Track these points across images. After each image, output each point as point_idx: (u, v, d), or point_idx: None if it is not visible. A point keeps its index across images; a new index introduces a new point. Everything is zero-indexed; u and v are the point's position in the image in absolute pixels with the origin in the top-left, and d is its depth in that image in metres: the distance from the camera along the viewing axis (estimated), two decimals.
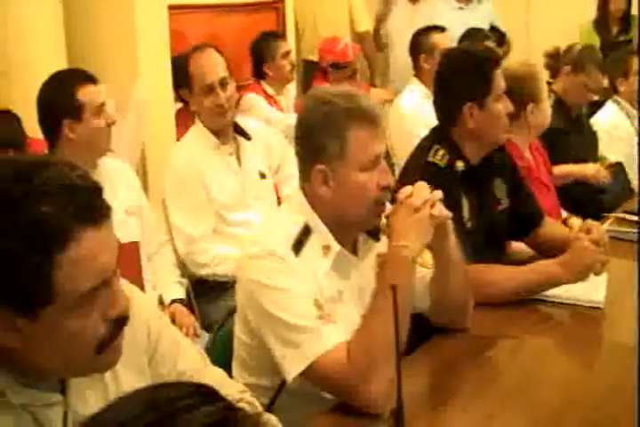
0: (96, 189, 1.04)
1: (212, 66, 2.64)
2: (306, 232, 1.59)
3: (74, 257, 0.99)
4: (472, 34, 4.36)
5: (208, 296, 2.59)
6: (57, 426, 1.11)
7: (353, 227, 1.66)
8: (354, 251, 1.67)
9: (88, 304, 1.02)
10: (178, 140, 3.67)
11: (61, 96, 2.29)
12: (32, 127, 2.62)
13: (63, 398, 1.12)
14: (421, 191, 1.60)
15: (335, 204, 1.59)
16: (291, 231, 1.59)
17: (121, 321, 1.08)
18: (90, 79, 2.34)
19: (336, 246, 1.61)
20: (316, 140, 1.58)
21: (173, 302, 2.48)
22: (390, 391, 1.44)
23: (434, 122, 2.28)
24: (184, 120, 3.73)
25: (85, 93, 2.30)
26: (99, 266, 1.02)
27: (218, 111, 2.64)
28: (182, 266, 2.62)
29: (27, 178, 1.00)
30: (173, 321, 2.36)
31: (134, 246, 2.37)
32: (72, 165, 1.05)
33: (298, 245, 1.57)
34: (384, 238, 1.65)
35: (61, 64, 3.35)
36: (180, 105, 3.83)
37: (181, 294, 2.53)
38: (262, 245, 1.57)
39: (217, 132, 2.69)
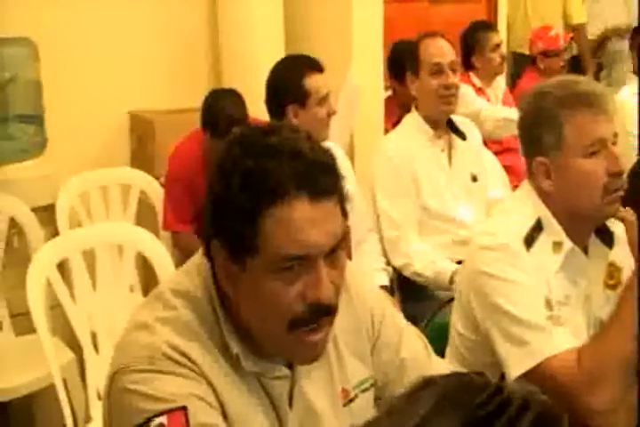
0: (323, 164, 1.06)
1: (444, 48, 2.60)
2: (538, 227, 1.54)
3: (279, 217, 1.01)
4: None
5: (409, 290, 2.56)
6: (283, 399, 1.14)
7: (586, 220, 1.58)
8: (585, 252, 1.59)
9: (290, 274, 1.03)
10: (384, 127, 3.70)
11: (289, 82, 2.36)
12: (253, 110, 2.72)
13: (290, 373, 1.14)
14: None
15: (561, 196, 1.53)
16: (523, 225, 1.54)
17: (322, 309, 1.06)
18: (317, 68, 2.38)
19: (568, 243, 1.54)
20: (533, 134, 1.56)
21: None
22: (618, 409, 1.37)
23: None
24: (391, 108, 3.74)
25: (312, 82, 2.35)
26: (304, 238, 1.01)
27: (443, 94, 2.55)
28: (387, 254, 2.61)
29: (268, 134, 1.07)
30: None
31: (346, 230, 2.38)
32: (309, 136, 1.09)
33: (529, 240, 1.52)
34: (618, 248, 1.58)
35: (279, 50, 3.46)
36: (388, 93, 3.85)
37: (386, 281, 2.53)
38: (494, 237, 1.54)
39: (433, 123, 2.61)
